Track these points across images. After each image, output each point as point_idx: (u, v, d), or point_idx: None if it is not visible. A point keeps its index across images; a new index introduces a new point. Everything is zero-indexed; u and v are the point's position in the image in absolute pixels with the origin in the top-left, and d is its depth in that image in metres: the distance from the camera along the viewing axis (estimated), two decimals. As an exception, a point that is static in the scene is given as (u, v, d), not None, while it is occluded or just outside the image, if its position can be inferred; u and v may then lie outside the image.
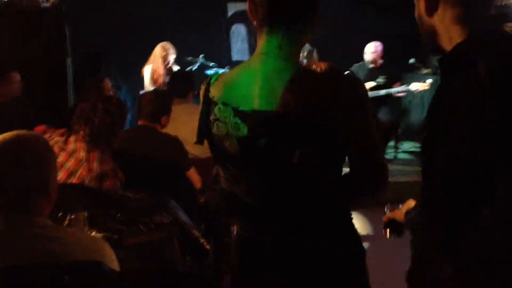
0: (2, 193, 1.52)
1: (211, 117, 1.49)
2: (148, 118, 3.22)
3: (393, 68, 6.05)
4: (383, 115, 5.97)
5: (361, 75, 6.04)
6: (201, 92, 1.56)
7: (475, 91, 1.24)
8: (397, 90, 5.84)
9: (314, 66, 1.43)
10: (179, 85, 3.97)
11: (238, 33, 7.51)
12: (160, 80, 5.53)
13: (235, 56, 7.50)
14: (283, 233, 1.47)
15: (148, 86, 5.54)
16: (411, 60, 6.53)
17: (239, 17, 7.44)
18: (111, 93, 4.79)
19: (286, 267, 1.48)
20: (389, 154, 6.29)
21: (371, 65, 6.01)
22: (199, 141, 1.58)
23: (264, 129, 1.40)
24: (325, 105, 1.37)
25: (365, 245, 1.61)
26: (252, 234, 1.52)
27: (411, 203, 1.73)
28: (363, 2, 7.01)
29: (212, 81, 1.53)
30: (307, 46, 5.60)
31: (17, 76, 4.14)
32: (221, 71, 5.13)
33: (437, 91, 1.39)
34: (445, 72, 1.37)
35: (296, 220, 1.46)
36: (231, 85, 1.48)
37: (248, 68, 1.47)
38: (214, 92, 1.50)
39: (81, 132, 2.64)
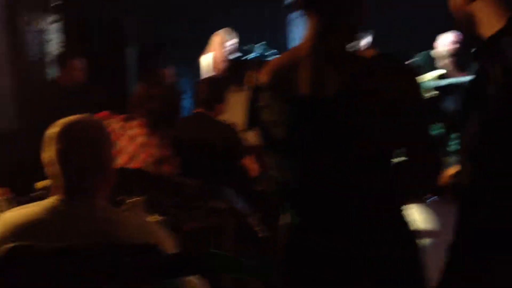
0: (63, 175, 1.57)
1: (260, 104, 1.49)
2: (203, 106, 3.25)
3: (459, 56, 5.85)
4: (448, 105, 5.79)
5: (426, 63, 5.88)
6: (250, 79, 1.56)
7: (494, 85, 1.22)
8: (462, 80, 5.65)
9: (362, 53, 1.41)
10: (236, 73, 3.98)
11: (298, 20, 7.44)
12: (219, 67, 5.56)
13: (295, 43, 7.43)
14: (327, 225, 1.44)
15: (206, 74, 5.58)
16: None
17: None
18: (172, 80, 4.89)
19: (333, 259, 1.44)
20: (453, 146, 6.08)
21: (445, 54, 5.84)
22: (248, 128, 1.58)
23: (312, 116, 1.38)
24: (374, 92, 1.34)
25: (428, 240, 1.56)
26: (301, 224, 1.49)
27: (451, 170, 1.70)
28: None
29: (261, 67, 1.52)
30: (362, 33, 5.52)
31: (79, 64, 4.27)
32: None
33: (469, 83, 1.38)
34: (479, 60, 1.36)
35: (341, 213, 1.43)
36: (280, 71, 1.47)
37: (297, 54, 1.45)
38: (263, 78, 1.49)
39: (141, 118, 2.71)
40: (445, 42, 5.88)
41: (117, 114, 3.05)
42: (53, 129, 1.60)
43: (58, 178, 1.58)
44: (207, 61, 5.58)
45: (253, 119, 1.53)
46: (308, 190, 1.44)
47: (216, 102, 3.25)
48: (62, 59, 4.32)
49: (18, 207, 1.64)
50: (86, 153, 1.59)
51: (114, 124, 2.86)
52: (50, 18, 4.77)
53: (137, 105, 2.77)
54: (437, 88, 5.77)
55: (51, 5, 4.73)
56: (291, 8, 7.37)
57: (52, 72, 4.86)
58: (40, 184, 2.61)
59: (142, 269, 1.47)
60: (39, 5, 4.66)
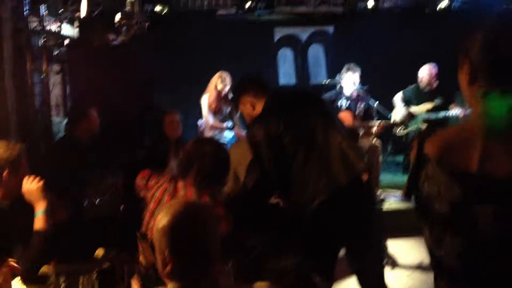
0: (189, 263, 1.59)
1: (423, 175, 1.46)
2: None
3: (448, 89, 6.00)
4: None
5: (416, 97, 6.03)
6: (415, 145, 1.53)
7: None
8: (455, 113, 5.73)
9: None
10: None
11: (285, 57, 7.57)
12: (218, 108, 5.60)
13: (281, 80, 7.55)
14: None
15: (206, 115, 5.59)
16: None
17: (286, 41, 7.51)
18: (180, 125, 4.86)
19: None
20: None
21: (427, 88, 5.99)
22: (407, 195, 1.57)
23: (480, 195, 1.36)
24: None
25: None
26: None
27: None
28: (411, 23, 7.00)
29: (428, 136, 1.50)
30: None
31: (95, 112, 4.13)
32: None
33: None
34: None
35: None
36: (448, 145, 1.44)
37: (468, 130, 1.44)
38: (429, 149, 1.46)
39: (190, 178, 2.68)
40: (423, 75, 5.99)
41: (156, 173, 3.01)
42: (164, 221, 1.61)
43: (177, 264, 1.59)
44: (207, 102, 5.60)
45: (413, 187, 1.52)
46: (465, 270, 1.44)
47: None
48: (81, 111, 4.10)
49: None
50: (204, 239, 1.63)
51: (162, 185, 2.83)
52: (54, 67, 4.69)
53: (188, 164, 2.74)
54: (426, 120, 5.91)
55: (54, 54, 4.64)
56: (281, 44, 7.48)
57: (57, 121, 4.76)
58: (99, 253, 2.55)
59: None
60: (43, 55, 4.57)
